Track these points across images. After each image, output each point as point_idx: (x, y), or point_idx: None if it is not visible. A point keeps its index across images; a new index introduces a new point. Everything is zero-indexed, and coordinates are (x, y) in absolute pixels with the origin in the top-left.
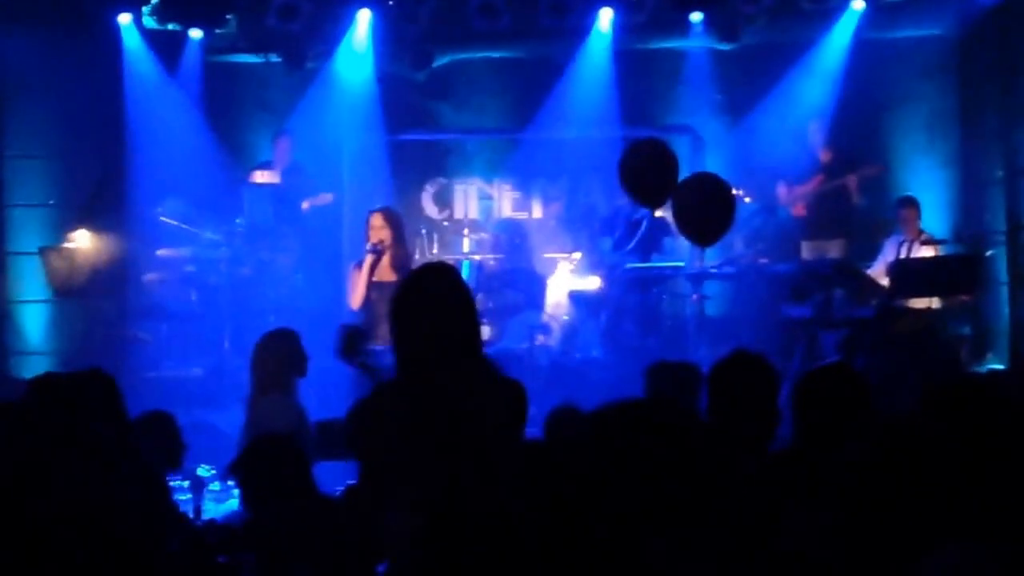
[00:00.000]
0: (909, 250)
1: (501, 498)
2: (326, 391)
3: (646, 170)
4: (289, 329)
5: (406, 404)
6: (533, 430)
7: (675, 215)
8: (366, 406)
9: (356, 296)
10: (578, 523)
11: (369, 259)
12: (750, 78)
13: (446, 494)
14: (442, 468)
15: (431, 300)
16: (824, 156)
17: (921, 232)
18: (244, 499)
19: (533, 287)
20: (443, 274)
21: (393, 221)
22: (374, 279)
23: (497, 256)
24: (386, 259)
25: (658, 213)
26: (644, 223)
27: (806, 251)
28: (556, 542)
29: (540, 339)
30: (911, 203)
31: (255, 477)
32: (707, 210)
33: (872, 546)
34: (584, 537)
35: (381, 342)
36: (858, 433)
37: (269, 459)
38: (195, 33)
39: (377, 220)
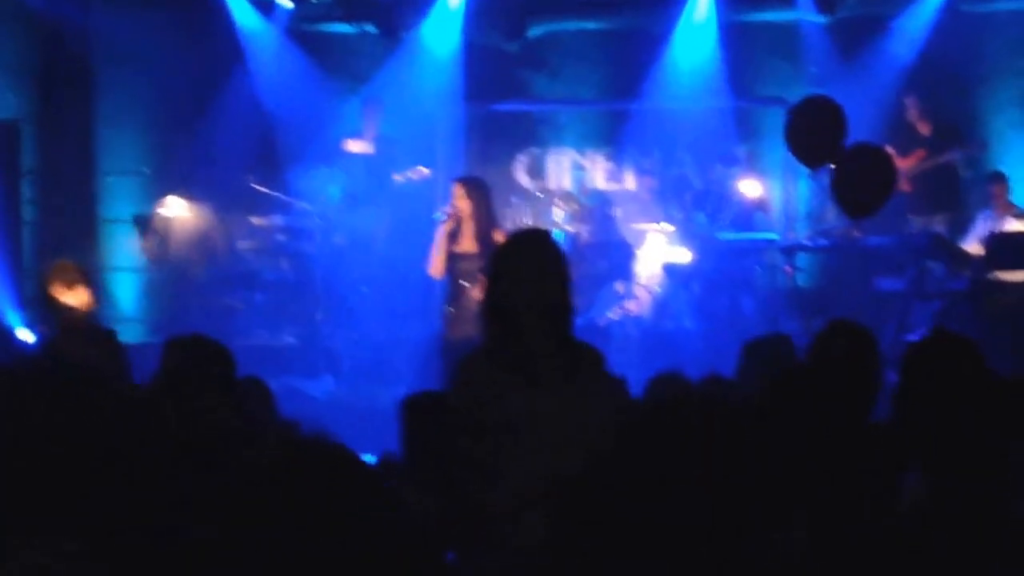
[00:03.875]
0: (999, 224)
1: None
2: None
3: (812, 128)
4: None
5: (493, 371)
6: None
7: (833, 182)
8: (458, 380)
9: (435, 264)
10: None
11: (442, 229)
12: (845, 51)
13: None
14: (537, 436)
15: (529, 263)
16: (923, 129)
17: (1011, 206)
18: None
19: (622, 258)
20: (542, 239)
21: (475, 191)
22: (456, 250)
23: (586, 227)
24: (469, 230)
25: (753, 187)
26: (737, 197)
27: (913, 225)
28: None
29: (632, 309)
30: (1000, 178)
31: None
32: (867, 181)
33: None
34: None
35: (466, 311)
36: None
37: None
38: (285, 2)
39: (457, 190)
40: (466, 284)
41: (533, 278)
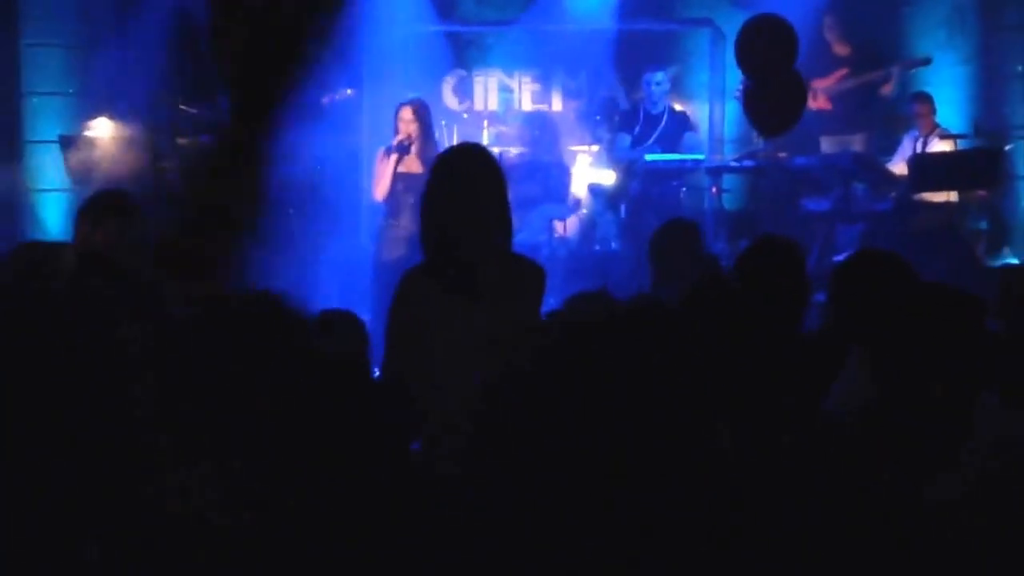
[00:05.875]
0: (924, 145)
1: (533, 373)
2: (344, 279)
3: (764, 49)
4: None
5: (432, 286)
6: None
7: (746, 101)
8: (397, 295)
9: (380, 188)
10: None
11: (395, 156)
12: None
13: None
14: (475, 347)
15: (466, 176)
16: (841, 50)
17: (936, 127)
18: None
19: (557, 179)
20: (478, 153)
21: (422, 114)
22: (400, 170)
23: (523, 149)
24: (413, 151)
25: (679, 107)
26: (664, 118)
27: (826, 145)
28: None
29: (559, 230)
30: (924, 99)
31: None
32: (777, 99)
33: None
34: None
35: (404, 231)
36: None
37: None
38: None
39: (407, 113)
40: (406, 204)
41: (469, 192)
